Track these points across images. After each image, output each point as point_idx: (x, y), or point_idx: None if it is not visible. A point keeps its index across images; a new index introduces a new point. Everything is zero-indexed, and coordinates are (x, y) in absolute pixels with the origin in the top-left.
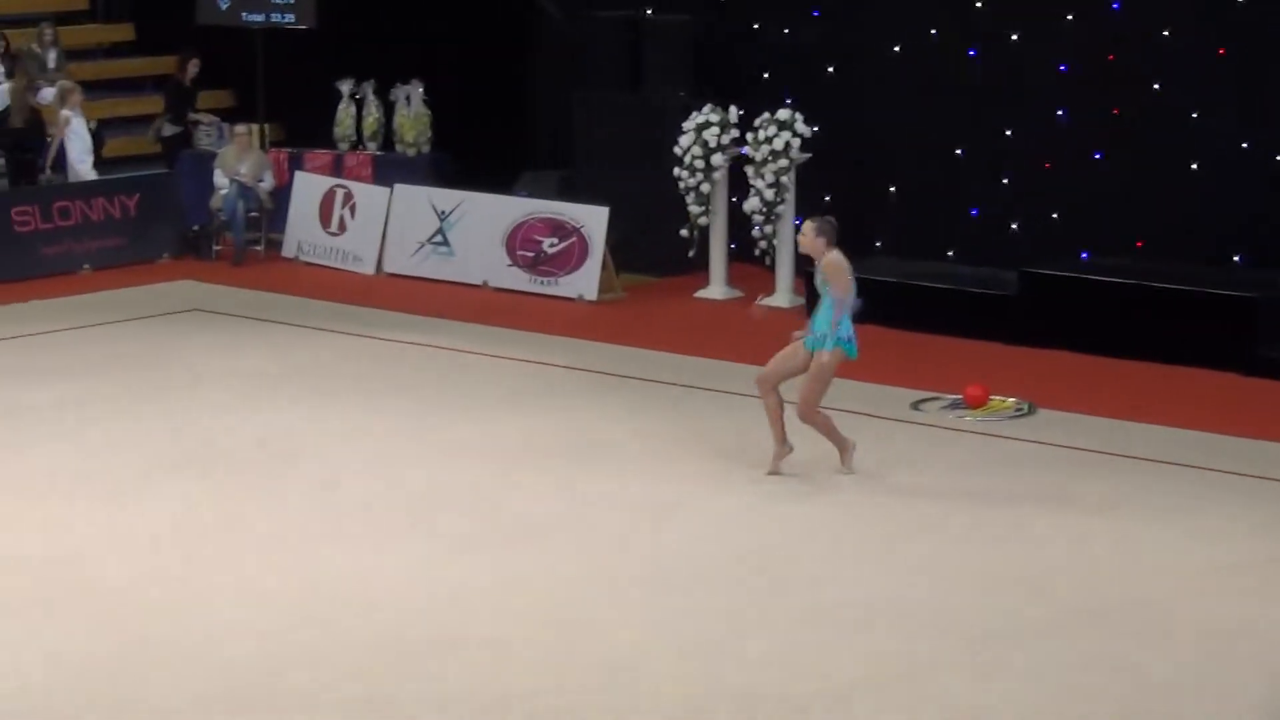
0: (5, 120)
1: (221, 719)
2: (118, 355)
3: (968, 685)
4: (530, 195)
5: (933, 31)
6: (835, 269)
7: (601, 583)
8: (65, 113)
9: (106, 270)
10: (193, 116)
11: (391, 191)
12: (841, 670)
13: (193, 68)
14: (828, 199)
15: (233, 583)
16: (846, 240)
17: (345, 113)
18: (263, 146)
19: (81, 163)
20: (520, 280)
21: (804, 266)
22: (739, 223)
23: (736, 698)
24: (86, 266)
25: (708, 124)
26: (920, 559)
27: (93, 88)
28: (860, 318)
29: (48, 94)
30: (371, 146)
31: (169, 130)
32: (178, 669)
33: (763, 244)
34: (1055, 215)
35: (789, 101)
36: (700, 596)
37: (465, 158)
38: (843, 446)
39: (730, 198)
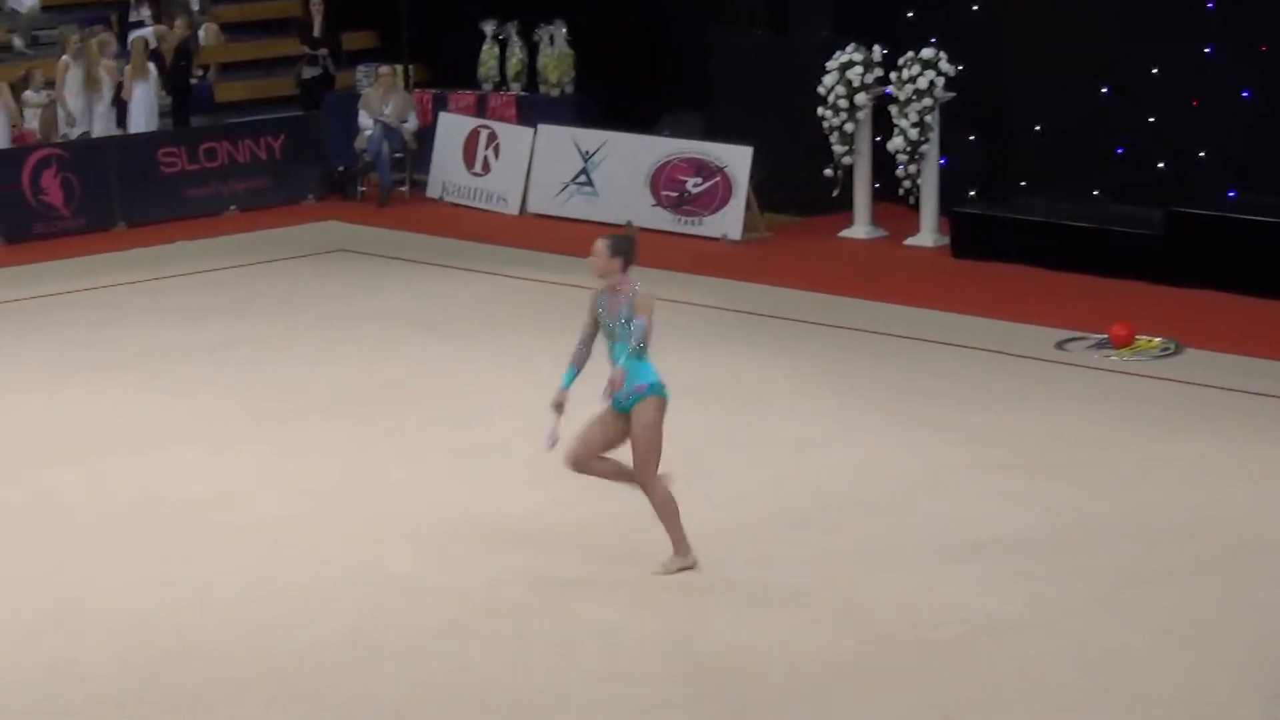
0: (163, 60)
1: (366, 656)
2: (263, 296)
3: (1102, 627)
4: (673, 135)
5: None
6: (646, 300)
7: (738, 520)
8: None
9: (252, 211)
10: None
11: (535, 132)
12: (976, 612)
13: (315, 9)
14: (972, 138)
15: (371, 524)
16: (991, 180)
17: (489, 53)
18: (407, 87)
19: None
20: (664, 220)
21: (948, 205)
22: (883, 162)
23: (874, 638)
24: (232, 208)
25: (851, 63)
26: (1060, 500)
27: (237, 29)
28: (1005, 257)
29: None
30: (515, 87)
31: (308, 73)
32: (320, 610)
33: (907, 183)
34: (1202, 154)
35: (933, 40)
36: (834, 536)
37: (608, 97)
38: (679, 543)
39: (874, 137)
